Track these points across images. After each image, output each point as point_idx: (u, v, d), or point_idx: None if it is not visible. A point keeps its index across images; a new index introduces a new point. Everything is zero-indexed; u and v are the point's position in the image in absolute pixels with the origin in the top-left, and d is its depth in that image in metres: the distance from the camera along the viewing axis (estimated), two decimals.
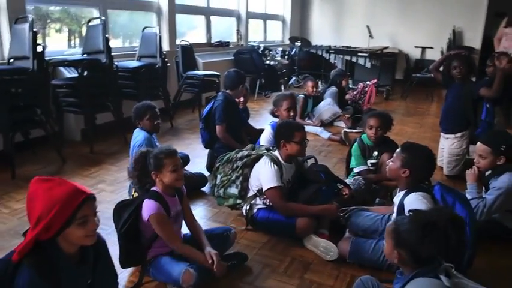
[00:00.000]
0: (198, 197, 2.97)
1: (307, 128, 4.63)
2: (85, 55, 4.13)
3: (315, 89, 4.94)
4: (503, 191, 2.25)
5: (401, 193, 2.04)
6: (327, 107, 4.82)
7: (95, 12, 4.69)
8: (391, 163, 2.07)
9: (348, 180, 2.88)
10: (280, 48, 7.49)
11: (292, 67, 8.00)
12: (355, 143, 2.87)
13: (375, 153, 2.81)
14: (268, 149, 2.50)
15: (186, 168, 3.30)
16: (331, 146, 4.27)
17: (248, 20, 7.44)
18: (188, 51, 5.44)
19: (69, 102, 3.95)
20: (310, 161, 2.80)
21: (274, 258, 2.23)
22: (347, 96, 5.49)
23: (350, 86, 6.16)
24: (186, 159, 3.38)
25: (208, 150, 3.42)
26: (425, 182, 2.10)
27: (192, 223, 2.08)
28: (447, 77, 3.41)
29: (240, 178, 2.46)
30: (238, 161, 2.47)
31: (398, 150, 2.09)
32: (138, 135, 2.77)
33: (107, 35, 4.05)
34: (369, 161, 2.81)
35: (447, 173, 3.38)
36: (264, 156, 2.40)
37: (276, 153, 2.44)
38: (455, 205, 1.90)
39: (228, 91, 3.27)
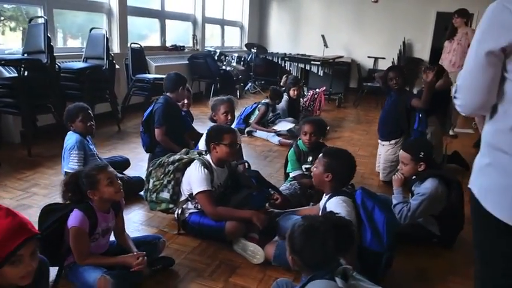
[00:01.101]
0: (135, 201, 2.91)
1: (258, 134, 4.74)
2: (25, 55, 3.97)
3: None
4: (426, 196, 2.35)
5: (326, 197, 2.08)
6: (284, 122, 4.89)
7: (40, 11, 4.53)
8: (314, 169, 2.11)
9: (285, 185, 2.91)
10: (236, 54, 7.51)
11: (248, 73, 8.04)
12: (292, 149, 2.91)
13: (310, 158, 2.86)
14: (200, 153, 2.49)
15: (125, 172, 3.24)
16: (278, 152, 4.31)
17: (204, 25, 7.42)
18: (139, 54, 5.36)
19: (7, 103, 3.78)
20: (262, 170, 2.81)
21: (201, 262, 2.22)
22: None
23: (305, 93, 6.25)
24: (125, 163, 3.31)
25: (149, 154, 3.36)
26: (348, 186, 2.16)
27: (121, 235, 2.08)
28: (386, 87, 3.54)
29: (172, 182, 2.43)
30: (170, 165, 2.44)
31: (320, 155, 2.13)
32: (70, 138, 2.69)
33: (48, 35, 3.91)
34: (304, 166, 2.86)
35: (383, 178, 3.49)
36: (195, 161, 2.39)
37: (208, 157, 2.43)
38: (374, 209, 1.96)
39: (168, 94, 3.24)
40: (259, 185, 2.48)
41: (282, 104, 5.00)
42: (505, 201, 1.11)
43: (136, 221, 2.64)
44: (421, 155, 2.38)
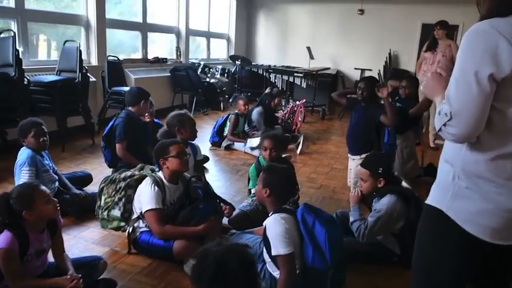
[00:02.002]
0: (91, 219, 2.81)
1: (236, 145, 4.67)
2: None
3: (246, 107, 4.91)
4: (383, 213, 2.27)
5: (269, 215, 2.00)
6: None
7: (13, 25, 4.48)
8: (257, 186, 2.05)
9: (246, 201, 2.84)
10: (220, 66, 7.47)
11: (233, 85, 8.00)
12: (253, 164, 2.83)
13: None
14: (153, 170, 2.41)
15: (88, 187, 3.16)
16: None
17: (189, 37, 7.39)
18: (116, 66, 5.30)
19: None
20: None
21: (147, 283, 2.12)
22: (277, 115, 5.52)
23: (283, 106, 6.21)
24: (87, 178, 3.23)
25: (112, 169, 3.28)
26: (288, 203, 2.09)
27: (59, 256, 1.98)
28: (351, 100, 3.47)
29: (123, 200, 2.34)
30: (121, 182, 2.36)
31: (261, 173, 2.08)
32: (22, 154, 2.61)
33: (18, 48, 3.86)
34: None
35: None
36: (146, 178, 2.31)
37: (160, 174, 2.35)
38: (314, 225, 1.88)
39: (130, 108, 3.17)
40: (206, 197, 2.40)
41: (257, 117, 4.93)
42: (492, 224, 1.13)
43: (88, 239, 2.55)
44: (379, 171, 2.31)
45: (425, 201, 1.30)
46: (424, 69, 5.24)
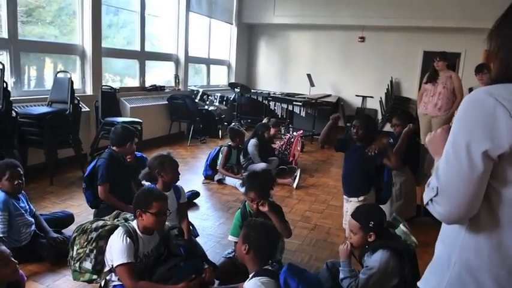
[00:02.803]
0: (67, 265, 2.64)
1: (228, 180, 4.51)
2: None
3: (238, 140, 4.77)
4: (374, 271, 2.08)
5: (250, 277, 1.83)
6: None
7: (6, 55, 4.42)
8: (238, 242, 1.89)
9: (233, 248, 2.65)
10: (219, 94, 7.39)
11: (232, 112, 7.92)
12: (239, 210, 2.66)
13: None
14: (126, 219, 2.25)
15: (64, 230, 2.99)
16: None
17: (188, 65, 7.34)
18: (110, 96, 5.22)
19: None
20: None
21: None
22: (274, 146, 5.37)
23: (282, 133, 6.07)
24: (68, 219, 3.07)
25: (94, 210, 3.12)
26: (270, 262, 1.92)
27: None
28: (341, 141, 3.31)
29: (95, 251, 2.18)
30: (93, 232, 2.20)
31: (243, 227, 1.93)
32: None
33: (5, 80, 3.79)
34: None
35: None
36: (118, 228, 2.15)
37: (134, 223, 2.19)
38: None
39: (114, 148, 3.03)
40: (188, 256, 2.22)
41: (251, 149, 4.78)
42: None
43: None
44: (370, 225, 2.13)
45: (418, 284, 1.14)
46: (425, 100, 5.12)
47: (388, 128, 8.52)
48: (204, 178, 4.70)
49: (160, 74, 7.22)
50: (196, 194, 3.95)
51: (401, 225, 3.20)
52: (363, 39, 8.72)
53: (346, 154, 3.28)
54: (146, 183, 2.64)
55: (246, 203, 2.64)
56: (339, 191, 4.53)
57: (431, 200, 0.99)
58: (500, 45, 0.99)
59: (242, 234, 1.89)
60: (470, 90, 4.64)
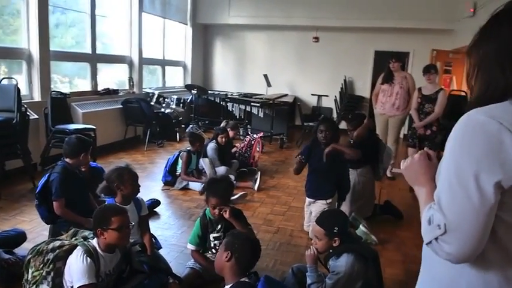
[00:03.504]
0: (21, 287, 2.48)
1: (192, 185, 4.43)
2: None
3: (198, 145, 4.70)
4: (341, 275, 2.13)
5: None
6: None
7: None
8: (218, 252, 1.89)
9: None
10: (175, 96, 7.26)
11: (189, 114, 7.81)
12: (199, 218, 2.62)
13: (219, 226, 2.58)
14: (85, 238, 2.14)
15: (16, 250, 2.81)
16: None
17: (142, 67, 7.14)
18: (60, 102, 4.96)
19: None
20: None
21: None
22: (233, 150, 5.35)
23: (242, 135, 6.05)
24: (19, 238, 2.88)
25: (49, 225, 2.96)
26: (250, 273, 1.91)
27: None
28: (306, 153, 3.35)
29: (52, 274, 2.06)
30: (49, 254, 2.08)
31: (225, 237, 1.93)
32: None
33: None
34: (212, 235, 2.57)
35: None
36: (77, 248, 2.04)
37: (95, 241, 2.09)
38: None
39: (67, 160, 2.88)
40: (152, 272, 2.16)
41: (211, 153, 4.74)
42: None
43: None
44: (335, 230, 2.17)
45: None
46: (382, 101, 5.27)
47: (343, 125, 8.77)
48: (163, 184, 4.60)
49: (113, 77, 6.97)
50: (156, 203, 3.85)
51: (361, 226, 3.32)
52: (317, 39, 8.89)
53: (311, 160, 3.32)
54: (108, 200, 2.53)
55: (206, 210, 2.61)
56: (300, 191, 4.60)
57: (436, 238, 0.88)
58: (479, 63, 0.94)
59: (225, 243, 1.90)
60: (419, 89, 4.86)
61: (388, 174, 5.27)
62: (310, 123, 7.50)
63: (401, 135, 5.72)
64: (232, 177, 4.19)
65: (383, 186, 4.50)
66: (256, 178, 4.62)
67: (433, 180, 0.98)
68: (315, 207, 3.34)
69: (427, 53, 7.51)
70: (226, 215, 2.43)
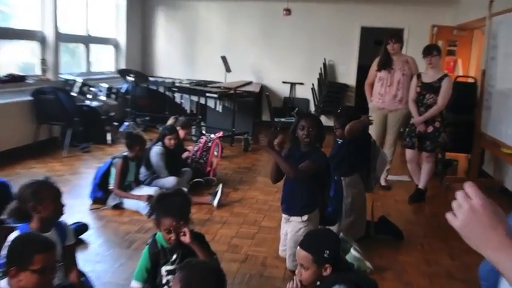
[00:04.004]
0: None
1: (126, 204, 4.32)
2: None
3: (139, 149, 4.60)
4: None
5: None
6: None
7: None
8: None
9: None
10: (105, 85, 7.09)
11: (124, 109, 7.69)
12: (147, 247, 2.54)
13: (174, 256, 2.52)
14: None
15: None
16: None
17: (58, 45, 6.90)
18: None
19: None
20: None
21: None
22: (185, 155, 5.29)
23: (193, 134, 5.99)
24: None
25: None
26: None
27: None
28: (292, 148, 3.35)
29: None
30: None
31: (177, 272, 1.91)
32: None
33: None
34: (164, 268, 2.51)
35: (291, 267, 3.25)
36: None
37: (5, 283, 1.98)
38: None
39: None
40: None
41: (156, 159, 4.66)
42: None
43: None
44: (325, 255, 2.16)
45: None
46: (380, 92, 5.31)
47: (323, 121, 8.87)
48: (91, 202, 4.46)
49: (18, 59, 6.72)
50: (83, 227, 3.71)
51: (352, 250, 3.36)
52: (288, 12, 8.98)
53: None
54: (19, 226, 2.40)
55: (157, 235, 2.54)
56: (271, 206, 4.61)
57: None
58: None
59: (179, 277, 1.82)
60: (418, 76, 4.98)
61: (382, 182, 5.38)
62: (282, 119, 7.59)
63: None
64: (184, 190, 4.13)
65: (376, 198, 4.60)
66: (217, 191, 4.57)
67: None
68: (290, 227, 3.35)
69: (425, 29, 7.74)
70: (187, 240, 2.38)
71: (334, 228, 3.57)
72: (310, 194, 3.30)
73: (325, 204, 3.44)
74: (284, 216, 3.41)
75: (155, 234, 2.56)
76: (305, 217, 3.28)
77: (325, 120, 8.89)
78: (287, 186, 3.40)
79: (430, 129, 4.90)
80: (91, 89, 6.87)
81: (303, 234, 3.16)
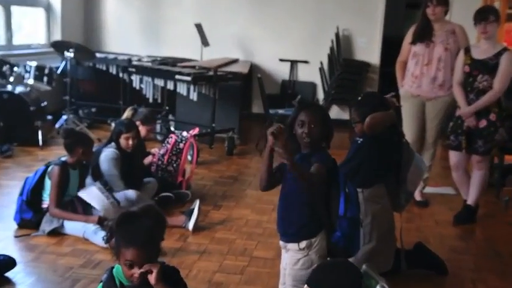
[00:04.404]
0: None
1: (68, 227, 4.37)
2: None
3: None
4: None
5: None
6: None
7: None
8: None
9: None
10: (34, 63, 7.07)
11: (61, 96, 7.68)
12: (100, 285, 2.56)
13: None
14: None
15: None
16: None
17: None
18: None
19: None
20: None
21: None
22: (148, 160, 5.31)
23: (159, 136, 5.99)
24: None
25: None
26: None
27: None
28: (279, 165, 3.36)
29: None
30: None
31: None
32: None
33: None
34: None
35: None
36: None
37: None
38: None
39: None
40: None
41: (107, 166, 4.69)
42: None
43: None
44: None
45: None
46: (415, 73, 5.33)
47: (335, 113, 8.92)
48: (17, 227, 4.47)
49: None
50: (7, 262, 3.72)
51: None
52: None
53: (284, 174, 3.32)
54: None
55: (115, 270, 2.56)
56: (266, 230, 4.66)
57: None
58: None
59: None
60: (467, 51, 5.00)
61: (417, 197, 5.41)
62: (279, 111, 7.58)
63: None
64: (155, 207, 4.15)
65: (408, 219, 4.62)
66: (192, 210, 4.60)
67: None
68: (287, 258, 3.36)
69: None
70: (152, 280, 2.38)
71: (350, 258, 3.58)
72: (309, 210, 3.28)
73: (332, 226, 3.42)
74: (281, 243, 3.42)
75: (112, 268, 2.57)
76: (303, 243, 3.25)
77: (338, 112, 8.92)
78: (281, 200, 3.40)
79: (483, 123, 4.90)
80: (13, 68, 6.87)
81: (303, 268, 3.21)
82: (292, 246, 3.27)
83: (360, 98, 4.03)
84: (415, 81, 5.35)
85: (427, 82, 5.29)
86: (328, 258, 3.34)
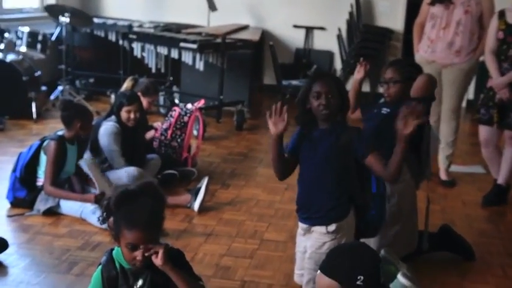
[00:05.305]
0: None
1: (64, 207, 4.38)
2: None
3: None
4: None
5: None
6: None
7: None
8: None
9: None
10: (27, 29, 7.07)
11: (57, 65, 7.71)
12: (99, 268, 2.58)
13: (139, 282, 2.56)
14: None
15: None
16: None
17: None
18: None
19: None
20: None
21: None
22: (150, 135, 5.33)
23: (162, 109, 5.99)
24: None
25: None
26: None
27: None
28: (293, 141, 3.34)
29: None
30: None
31: None
32: None
33: None
34: None
35: None
36: None
37: None
38: None
39: None
40: None
41: (107, 141, 4.72)
42: None
43: None
44: (359, 282, 2.19)
45: None
46: (431, 37, 5.33)
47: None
48: (10, 206, 4.51)
49: None
50: (0, 244, 3.75)
51: (399, 275, 3.38)
52: None
53: (302, 155, 3.32)
54: None
55: (115, 252, 2.58)
56: (279, 210, 4.67)
57: None
58: None
59: None
60: (501, 15, 4.94)
61: (443, 176, 5.42)
62: (293, 82, 7.57)
63: (464, 103, 5.86)
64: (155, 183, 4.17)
65: (433, 199, 4.61)
66: (198, 189, 4.61)
67: None
68: (310, 243, 3.35)
69: None
70: (158, 261, 2.40)
71: (372, 242, 3.58)
72: (340, 191, 3.28)
73: (367, 204, 3.42)
74: (301, 226, 3.42)
75: (112, 250, 2.59)
76: (332, 226, 3.26)
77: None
78: (304, 182, 3.40)
79: None
80: (4, 35, 6.88)
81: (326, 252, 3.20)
82: (319, 229, 3.26)
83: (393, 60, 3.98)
84: (430, 45, 5.35)
85: (442, 47, 5.27)
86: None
